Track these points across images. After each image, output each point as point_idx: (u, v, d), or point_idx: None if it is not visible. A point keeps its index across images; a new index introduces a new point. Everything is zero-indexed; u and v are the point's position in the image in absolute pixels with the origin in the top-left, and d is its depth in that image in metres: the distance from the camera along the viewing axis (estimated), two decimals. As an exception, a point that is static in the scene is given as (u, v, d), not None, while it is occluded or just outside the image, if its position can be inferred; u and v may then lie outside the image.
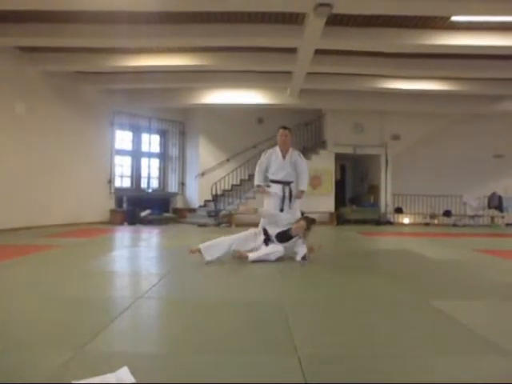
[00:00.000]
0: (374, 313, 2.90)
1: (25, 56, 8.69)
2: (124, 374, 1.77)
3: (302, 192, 5.57)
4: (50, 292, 3.37)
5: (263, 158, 5.65)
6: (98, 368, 1.83)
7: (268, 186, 5.56)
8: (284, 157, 5.54)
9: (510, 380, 1.88)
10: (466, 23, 7.00)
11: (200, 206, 12.62)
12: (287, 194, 5.46)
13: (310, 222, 4.99)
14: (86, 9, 6.40)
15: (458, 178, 12.83)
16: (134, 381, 1.73)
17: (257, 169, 5.62)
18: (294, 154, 5.63)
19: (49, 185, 9.40)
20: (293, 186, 5.54)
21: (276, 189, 5.47)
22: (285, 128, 5.61)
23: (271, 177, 5.57)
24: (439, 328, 2.58)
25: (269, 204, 5.47)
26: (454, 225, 12.64)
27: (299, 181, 5.56)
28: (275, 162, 5.54)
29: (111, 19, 7.00)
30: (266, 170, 5.65)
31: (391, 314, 2.88)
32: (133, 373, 1.78)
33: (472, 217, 12.77)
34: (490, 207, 12.79)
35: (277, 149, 5.61)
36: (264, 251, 4.88)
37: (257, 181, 5.61)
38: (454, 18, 6.73)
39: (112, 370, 1.79)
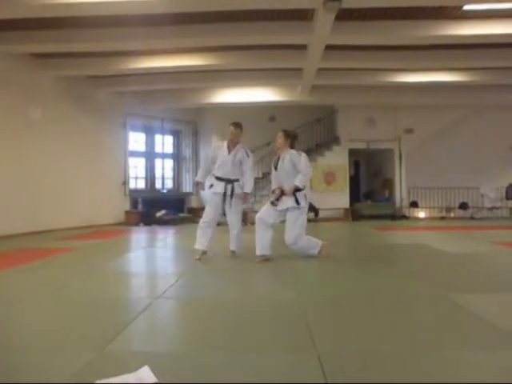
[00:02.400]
0: (393, 308, 2.88)
1: (38, 62, 8.82)
2: (145, 373, 1.80)
3: (246, 194, 5.19)
4: (68, 294, 3.42)
5: (210, 151, 5.42)
6: (119, 368, 1.85)
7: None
8: (229, 152, 5.14)
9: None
10: (479, 12, 6.87)
11: (215, 205, 12.62)
12: (229, 192, 5.06)
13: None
14: (97, 14, 6.46)
15: (474, 169, 12.62)
16: (155, 380, 1.75)
17: (202, 163, 5.44)
18: (241, 151, 5.19)
19: (64, 188, 9.53)
20: (237, 184, 5.11)
21: (218, 187, 5.08)
22: (235, 125, 5.24)
23: (214, 173, 5.17)
24: (459, 322, 2.55)
25: (209, 202, 5.18)
26: (472, 217, 12.47)
27: (244, 180, 5.15)
28: (220, 157, 5.15)
29: (121, 23, 7.05)
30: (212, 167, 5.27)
31: (410, 309, 2.86)
32: (153, 372, 1.80)
33: (490, 209, 12.57)
34: (508, 198, 12.58)
35: (223, 144, 5.25)
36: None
37: (198, 177, 5.32)
38: (467, 7, 6.61)
39: (133, 369, 1.82)
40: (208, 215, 5.10)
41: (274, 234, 4.98)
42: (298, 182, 4.87)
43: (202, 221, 5.16)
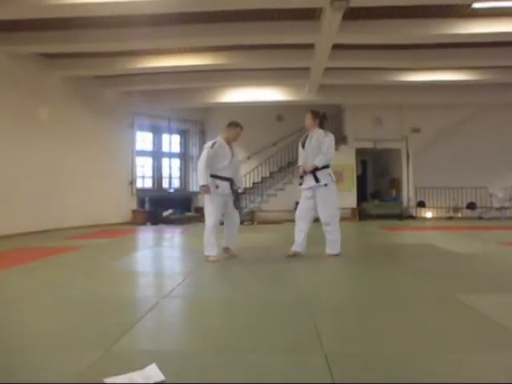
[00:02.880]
0: (400, 308, 2.87)
1: (46, 62, 8.89)
2: (152, 371, 1.80)
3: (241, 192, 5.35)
4: (76, 293, 3.44)
5: (210, 151, 4.91)
6: (126, 367, 1.86)
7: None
8: (232, 153, 5.09)
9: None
10: (488, 10, 6.81)
11: (221, 205, 12.65)
12: (231, 191, 5.06)
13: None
14: (104, 14, 6.49)
15: (481, 169, 12.51)
16: (162, 378, 1.75)
17: (202, 165, 4.86)
18: (236, 150, 5.29)
19: (71, 187, 9.60)
20: (233, 183, 5.11)
21: (225, 187, 4.98)
22: (241, 126, 5.18)
23: (217, 173, 4.97)
24: (466, 322, 2.53)
25: (216, 204, 4.95)
26: (480, 218, 12.37)
27: (238, 179, 5.20)
28: (224, 158, 4.99)
29: (128, 23, 7.08)
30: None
31: (417, 309, 2.84)
32: (160, 371, 1.80)
33: (499, 209, 12.47)
34: (517, 198, 12.47)
35: (223, 143, 5.04)
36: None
37: (204, 180, 4.87)
38: (476, 5, 6.56)
39: (140, 367, 1.82)
40: (216, 217, 4.93)
41: (307, 230, 5.13)
42: (317, 162, 5.00)
43: (211, 225, 4.88)
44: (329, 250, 5.09)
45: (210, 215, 4.92)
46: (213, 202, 4.92)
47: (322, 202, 5.05)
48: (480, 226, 10.01)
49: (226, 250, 5.19)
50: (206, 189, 4.88)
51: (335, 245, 5.07)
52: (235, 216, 5.16)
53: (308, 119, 5.21)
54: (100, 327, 2.50)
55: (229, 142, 5.10)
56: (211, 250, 4.88)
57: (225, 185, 4.98)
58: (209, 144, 5.03)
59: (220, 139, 5.06)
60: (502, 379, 1.77)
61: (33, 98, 8.72)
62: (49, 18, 6.61)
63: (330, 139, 5.05)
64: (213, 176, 4.95)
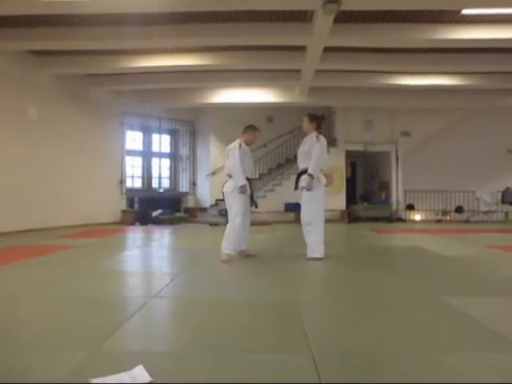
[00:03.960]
0: (388, 310, 2.89)
1: (36, 60, 8.80)
2: (139, 372, 1.80)
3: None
4: (64, 292, 3.42)
5: (240, 152, 5.04)
6: (114, 367, 1.85)
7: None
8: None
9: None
10: (477, 16, 6.91)
11: (211, 206, 12.66)
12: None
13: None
14: (95, 12, 6.45)
15: (470, 173, 12.69)
16: (149, 379, 1.75)
17: (238, 164, 4.97)
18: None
19: (60, 186, 9.50)
20: None
21: (248, 188, 5.10)
22: (258, 129, 5.45)
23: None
24: (451, 324, 2.56)
25: (242, 204, 5.08)
26: (467, 221, 12.52)
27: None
28: (249, 160, 5.25)
29: (120, 21, 7.04)
30: None
31: (404, 311, 2.87)
32: (147, 371, 1.80)
33: (485, 212, 12.63)
34: (503, 202, 12.64)
35: (244, 145, 5.20)
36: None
37: (243, 180, 4.99)
38: (465, 12, 6.64)
39: (128, 368, 1.81)
40: (243, 217, 5.01)
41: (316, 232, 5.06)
42: (310, 170, 4.96)
43: (239, 225, 4.95)
44: (309, 253, 4.99)
45: (238, 214, 5.00)
46: (241, 202, 5.03)
47: (306, 201, 5.06)
48: (467, 229, 10.13)
49: (242, 251, 5.21)
50: (244, 189, 4.99)
51: (317, 247, 4.97)
52: (250, 217, 5.30)
53: (305, 123, 5.24)
54: (88, 327, 2.49)
55: (248, 144, 5.27)
56: (232, 248, 4.96)
57: (248, 185, 5.10)
58: (235, 145, 5.13)
59: (241, 142, 5.20)
60: (486, 378, 1.80)
61: (21, 95, 8.61)
62: (39, 14, 6.55)
63: (320, 145, 4.99)
64: None
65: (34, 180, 8.78)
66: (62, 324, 2.57)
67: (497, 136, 12.90)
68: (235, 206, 5.02)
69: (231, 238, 4.95)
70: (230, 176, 5.10)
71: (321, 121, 5.30)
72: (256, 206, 5.36)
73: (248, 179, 5.13)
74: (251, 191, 5.20)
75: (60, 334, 2.39)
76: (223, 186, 5.21)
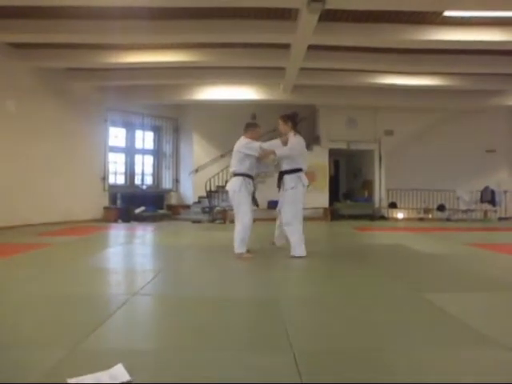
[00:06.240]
0: (369, 307, 2.92)
1: (16, 52, 8.60)
2: (118, 371, 1.77)
3: None
4: (43, 290, 3.36)
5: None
6: (92, 366, 1.82)
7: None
8: None
9: (500, 371, 1.90)
10: (459, 18, 7.02)
11: (194, 203, 12.60)
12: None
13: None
14: (78, 4, 6.35)
15: (451, 172, 12.91)
16: (128, 378, 1.73)
17: (280, 146, 5.08)
18: None
19: (41, 183, 9.34)
20: None
21: (253, 185, 5.19)
22: (259, 126, 5.48)
23: (248, 172, 5.14)
24: (432, 321, 2.60)
25: (249, 202, 5.12)
26: (448, 219, 12.73)
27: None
28: (254, 158, 5.21)
29: (103, 15, 6.94)
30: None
31: (384, 308, 2.90)
32: (127, 370, 1.78)
33: (465, 211, 12.85)
34: (482, 201, 12.89)
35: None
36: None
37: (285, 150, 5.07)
38: (447, 13, 6.74)
39: (107, 367, 1.79)
40: (252, 215, 5.03)
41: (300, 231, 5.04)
42: (279, 152, 4.94)
43: (248, 224, 4.95)
44: (292, 252, 4.99)
45: (248, 213, 4.99)
46: (248, 200, 5.02)
47: (288, 202, 5.03)
48: (448, 227, 10.30)
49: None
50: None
51: (299, 247, 4.96)
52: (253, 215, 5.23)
53: (280, 126, 5.22)
54: (66, 325, 2.45)
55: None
56: (244, 247, 4.94)
57: (252, 184, 5.12)
58: (247, 141, 5.11)
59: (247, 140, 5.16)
60: (463, 374, 1.83)
61: (0, 89, 8.42)
62: (18, 6, 6.41)
63: (296, 140, 5.01)
64: (245, 175, 5.05)
65: (11, 175, 8.56)
66: (39, 323, 2.53)
67: (476, 137, 13.16)
68: (245, 205, 5.00)
69: (241, 237, 4.92)
70: (235, 174, 5.10)
71: (295, 118, 5.23)
72: (257, 205, 5.30)
73: (252, 178, 5.14)
74: (253, 190, 5.18)
75: (36, 332, 2.34)
76: (227, 185, 5.22)
